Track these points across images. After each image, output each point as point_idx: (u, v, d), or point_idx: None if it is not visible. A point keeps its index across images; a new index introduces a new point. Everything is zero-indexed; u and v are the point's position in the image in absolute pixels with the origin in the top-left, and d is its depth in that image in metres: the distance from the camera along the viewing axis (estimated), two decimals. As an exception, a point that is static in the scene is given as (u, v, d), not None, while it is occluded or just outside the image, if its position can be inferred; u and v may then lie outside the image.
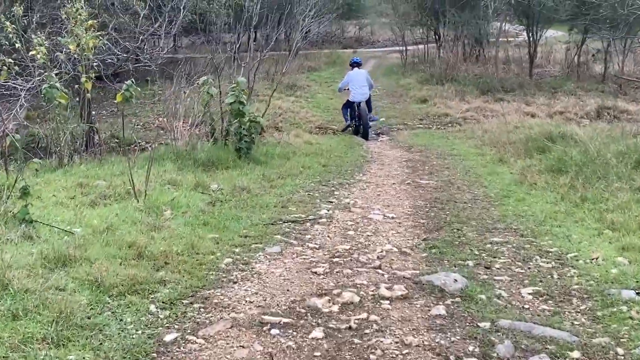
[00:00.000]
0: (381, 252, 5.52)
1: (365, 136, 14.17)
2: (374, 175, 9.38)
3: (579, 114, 16.61)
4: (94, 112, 14.74)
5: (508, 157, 10.18)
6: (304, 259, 5.30)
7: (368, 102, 14.77)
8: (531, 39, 21.43)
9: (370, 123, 14.64)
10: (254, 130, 9.36)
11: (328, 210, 7.06)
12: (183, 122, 9.89)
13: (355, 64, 15.16)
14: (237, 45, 13.14)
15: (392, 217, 6.83)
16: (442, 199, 7.73)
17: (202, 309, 4.16)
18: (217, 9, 16.95)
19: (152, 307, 4.09)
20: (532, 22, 21.02)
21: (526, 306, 4.38)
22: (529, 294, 4.60)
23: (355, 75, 14.73)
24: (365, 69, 16.25)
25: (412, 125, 15.97)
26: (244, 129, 9.25)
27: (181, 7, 11.32)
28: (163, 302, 4.19)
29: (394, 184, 8.70)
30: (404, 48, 26.05)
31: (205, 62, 16.14)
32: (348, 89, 14.86)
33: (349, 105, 14.79)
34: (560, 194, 7.61)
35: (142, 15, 10.74)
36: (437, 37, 25.52)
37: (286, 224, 6.40)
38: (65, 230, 5.34)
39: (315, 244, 5.76)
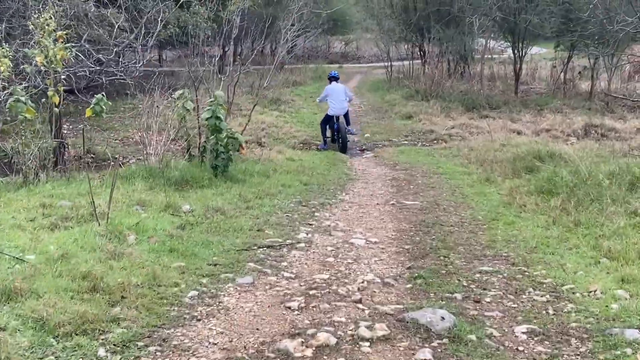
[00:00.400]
0: (362, 282, 5.05)
1: (344, 150, 14.02)
2: (357, 195, 8.93)
3: (565, 131, 16.26)
4: (68, 127, 14.23)
5: (495, 176, 9.76)
6: (278, 291, 4.82)
7: (346, 115, 14.82)
8: (517, 55, 21.11)
9: (349, 136, 14.60)
10: (232, 147, 8.87)
11: (307, 234, 6.59)
12: (157, 138, 9.39)
13: (333, 78, 15.21)
14: (216, 58, 12.63)
15: (375, 242, 6.37)
16: (427, 221, 7.28)
17: (158, 353, 3.67)
18: (199, 22, 16.47)
19: (102, 351, 3.60)
20: (517, 39, 20.71)
21: (520, 348, 3.94)
22: (523, 333, 4.16)
23: (333, 89, 14.78)
24: (350, 85, 16.50)
25: (397, 141, 15.54)
26: (220, 145, 8.76)
27: (159, 19, 10.82)
28: (114, 345, 3.70)
29: (377, 204, 8.26)
30: (389, 64, 25.69)
31: (187, 75, 15.71)
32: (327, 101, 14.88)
33: (327, 120, 14.74)
34: (551, 217, 7.19)
35: (117, 26, 10.25)
36: (421, 53, 25.21)
37: (261, 249, 5.93)
38: (17, 258, 4.83)
39: (291, 272, 5.28)
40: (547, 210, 7.51)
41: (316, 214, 7.59)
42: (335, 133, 14.42)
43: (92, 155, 12.78)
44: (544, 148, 10.63)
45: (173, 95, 9.45)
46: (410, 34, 24.19)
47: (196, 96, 10.02)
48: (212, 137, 8.82)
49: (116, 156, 12.57)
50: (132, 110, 17.34)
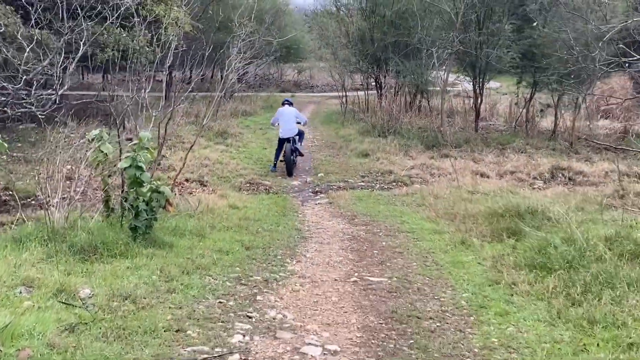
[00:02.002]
0: None
1: (289, 173, 14.48)
2: (310, 264, 7.18)
3: (531, 174, 14.90)
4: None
5: (472, 238, 8.14)
6: None
7: (301, 135, 15.42)
8: (477, 91, 19.78)
9: (296, 154, 14.96)
10: (156, 203, 7.03)
11: (244, 336, 4.82)
12: (65, 185, 7.51)
13: (287, 102, 15.77)
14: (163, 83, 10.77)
15: (335, 352, 4.62)
16: (400, 311, 5.58)
17: None
18: (140, 45, 14.65)
19: None
20: (478, 74, 19.39)
21: None
22: None
23: (283, 112, 15.23)
24: (302, 112, 16.36)
25: (354, 182, 13.89)
26: (142, 201, 6.92)
27: (81, 42, 8.97)
28: None
29: (336, 280, 6.52)
30: (344, 95, 24.12)
31: (129, 101, 13.83)
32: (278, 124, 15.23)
33: (280, 144, 15.12)
34: (553, 305, 5.59)
35: (27, 50, 8.37)
36: (378, 85, 23.74)
37: (176, 372, 4.13)
38: None
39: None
40: (544, 294, 5.93)
41: (258, 297, 5.81)
42: (280, 156, 14.93)
43: (9, 192, 10.83)
44: (522, 202, 9.07)
45: (87, 136, 7.57)
46: (366, 64, 22.67)
47: (118, 135, 8.18)
48: (132, 190, 6.97)
49: (38, 194, 10.59)
50: (66, 139, 15.43)
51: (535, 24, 15.44)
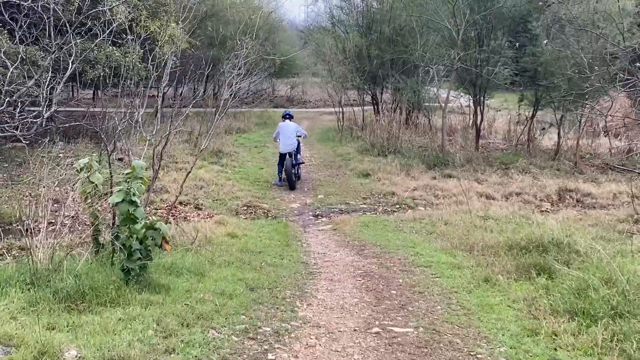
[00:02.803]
0: None
1: (292, 186, 14.68)
2: (323, 308, 6.36)
3: (538, 196, 14.21)
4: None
5: (496, 274, 7.36)
6: None
7: (297, 148, 15.38)
8: (478, 108, 19.08)
9: (299, 170, 15.34)
10: (152, 241, 6.21)
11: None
12: (49, 220, 6.68)
13: (288, 116, 15.79)
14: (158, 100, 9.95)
15: None
16: (435, 374, 4.78)
17: None
18: (133, 62, 13.86)
19: None
20: (479, 91, 18.70)
21: None
22: None
23: (284, 127, 15.32)
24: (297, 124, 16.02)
25: (355, 205, 13.12)
26: (136, 239, 6.09)
27: (70, 59, 8.14)
28: None
29: (355, 330, 5.69)
30: (341, 112, 23.36)
31: (120, 118, 13.02)
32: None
33: (281, 159, 15.25)
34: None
35: (11, 69, 7.54)
36: (374, 102, 23.01)
37: None
38: None
39: None
40: (593, 348, 5.17)
41: (269, 355, 4.98)
42: (283, 171, 15.00)
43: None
44: (545, 233, 8.28)
45: (74, 165, 6.74)
46: (363, 81, 21.94)
47: (109, 163, 7.35)
48: (125, 227, 6.14)
49: (25, 219, 9.74)
50: (54, 160, 14.61)
51: (545, 42, 14.74)
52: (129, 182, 6.39)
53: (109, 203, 6.33)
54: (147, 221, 6.23)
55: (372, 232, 10.29)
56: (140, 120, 8.61)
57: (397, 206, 13.04)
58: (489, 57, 17.82)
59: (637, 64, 11.28)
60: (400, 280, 7.38)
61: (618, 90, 18.16)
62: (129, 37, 8.90)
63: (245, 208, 12.67)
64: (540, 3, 16.70)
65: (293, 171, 14.72)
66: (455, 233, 9.67)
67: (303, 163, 16.15)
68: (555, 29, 17.04)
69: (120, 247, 6.05)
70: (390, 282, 7.33)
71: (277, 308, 6.20)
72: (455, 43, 17.38)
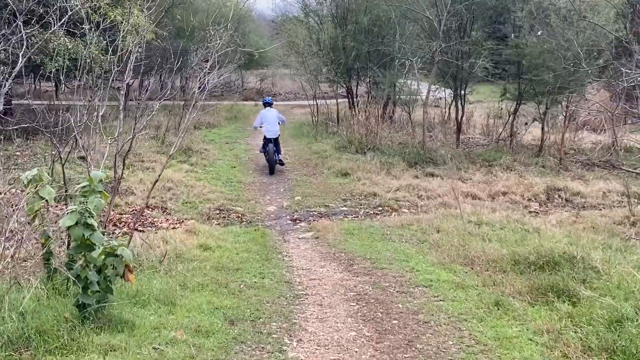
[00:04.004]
0: None
1: (272, 171, 15.29)
2: (316, 347, 5.37)
3: (525, 195, 13.43)
4: None
5: (507, 297, 6.47)
6: None
7: (277, 143, 15.68)
8: (459, 103, 18.24)
9: (278, 166, 15.61)
10: (113, 270, 5.17)
11: None
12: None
13: (267, 104, 16.30)
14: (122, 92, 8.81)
15: None
16: None
17: None
18: (94, 53, 12.62)
19: None
20: (460, 85, 17.85)
21: None
22: None
23: (266, 114, 15.86)
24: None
25: (335, 208, 12.17)
26: (94, 268, 5.05)
27: (19, 53, 7.01)
28: None
29: (358, 379, 4.75)
30: (315, 106, 22.33)
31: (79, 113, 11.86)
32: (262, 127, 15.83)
33: (266, 143, 15.61)
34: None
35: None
36: (350, 95, 22.03)
37: None
38: None
39: None
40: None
41: (259, 419, 4.01)
42: (265, 152, 15.48)
43: None
44: (556, 247, 7.43)
45: (21, 178, 5.65)
46: (338, 74, 20.93)
47: (64, 176, 6.28)
48: (80, 254, 5.09)
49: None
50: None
51: (540, 32, 13.93)
52: (85, 196, 5.35)
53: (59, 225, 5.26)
54: (107, 245, 5.18)
55: (359, 242, 9.34)
56: (97, 114, 7.51)
57: (380, 208, 12.14)
58: (470, 49, 16.97)
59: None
60: (400, 306, 6.43)
61: (601, 83, 17.55)
62: (86, 26, 7.74)
63: (217, 212, 11.64)
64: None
65: (275, 157, 15.33)
66: (450, 243, 8.77)
67: (283, 165, 16.13)
68: (539, 21, 16.26)
69: (74, 279, 4.99)
70: (389, 308, 6.37)
71: (263, 348, 5.21)
72: (435, 34, 16.49)
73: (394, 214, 11.73)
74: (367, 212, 11.88)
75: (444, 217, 10.61)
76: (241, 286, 6.89)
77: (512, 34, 16.79)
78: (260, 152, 16.09)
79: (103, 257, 5.10)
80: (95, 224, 5.01)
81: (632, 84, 11.08)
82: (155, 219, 10.70)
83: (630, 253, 8.41)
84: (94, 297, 5.04)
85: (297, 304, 6.52)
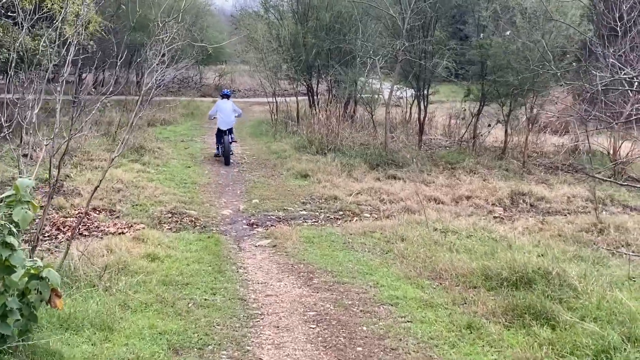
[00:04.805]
0: None
1: (227, 162, 15.59)
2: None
3: (489, 200, 13.05)
4: None
5: (480, 317, 5.94)
6: None
7: (230, 130, 15.91)
8: (421, 104, 17.78)
9: (231, 147, 15.99)
10: (37, 296, 4.45)
11: None
12: None
13: (225, 96, 16.62)
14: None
15: None
16: None
17: None
18: (42, 45, 11.75)
19: None
20: (423, 85, 17.39)
21: None
22: None
23: (222, 105, 16.19)
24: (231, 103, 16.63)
25: (294, 211, 11.56)
26: (13, 295, 4.33)
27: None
28: None
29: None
30: (274, 103, 21.67)
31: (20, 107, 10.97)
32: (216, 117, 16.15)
33: (219, 133, 16.00)
34: None
35: None
36: (310, 93, 21.40)
37: None
38: None
39: None
40: None
41: None
42: (221, 146, 15.88)
43: None
44: (529, 262, 6.93)
45: None
46: (299, 71, 20.27)
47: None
48: (-3, 277, 4.36)
49: None
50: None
51: (508, 32, 13.51)
52: (11, 207, 4.63)
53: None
54: (32, 266, 4.46)
55: (319, 251, 8.73)
56: (32, 110, 6.74)
57: (341, 213, 11.57)
58: (434, 48, 16.52)
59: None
60: (365, 329, 5.83)
61: (565, 85, 17.28)
62: (20, 15, 6.94)
63: (169, 216, 10.91)
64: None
65: (230, 148, 15.62)
66: (416, 254, 8.23)
67: (236, 142, 16.97)
68: (504, 21, 15.88)
69: (-12, 307, 4.27)
70: (352, 331, 5.77)
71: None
72: (399, 32, 15.98)
73: (355, 219, 11.18)
74: (328, 217, 11.30)
75: (408, 224, 10.07)
76: (189, 305, 6.22)
77: (477, 34, 16.34)
78: (216, 156, 16.26)
79: (25, 280, 4.38)
80: (17, 243, 4.30)
81: (604, 87, 10.75)
82: (102, 223, 9.96)
83: (602, 266, 8.03)
84: (15, 326, 4.32)
85: (252, 326, 5.87)
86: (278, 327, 5.88)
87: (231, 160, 15.79)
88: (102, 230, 9.61)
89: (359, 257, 8.44)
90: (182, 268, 7.56)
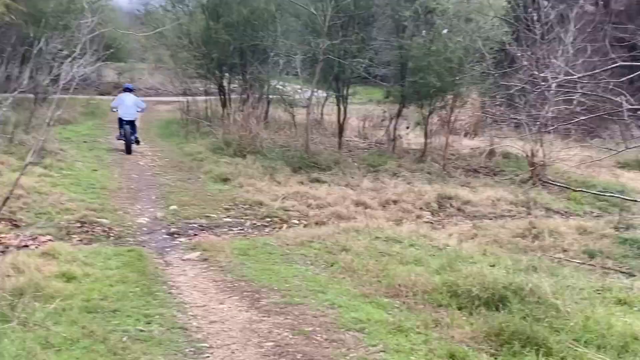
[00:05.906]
0: None
1: (128, 151, 15.90)
2: None
3: (416, 204, 12.62)
4: None
5: (460, 344, 5.22)
6: None
7: (133, 126, 16.26)
8: (341, 105, 17.13)
9: (134, 144, 16.23)
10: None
11: None
12: None
13: (127, 89, 17.18)
14: None
15: None
16: None
17: None
18: None
19: None
20: (343, 87, 16.73)
21: None
22: None
23: (124, 98, 16.51)
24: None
25: (218, 219, 10.58)
26: None
27: None
28: None
29: None
30: (186, 102, 20.44)
31: None
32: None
33: (120, 121, 16.23)
34: None
35: None
36: (222, 92, 20.28)
37: None
38: None
39: None
40: None
41: None
42: (122, 136, 16.11)
43: None
44: (502, 276, 6.31)
45: None
46: (210, 69, 19.13)
47: None
48: None
49: None
50: None
51: (445, 30, 13.04)
52: None
53: None
54: None
55: (258, 265, 7.78)
56: None
57: (268, 219, 10.74)
58: (355, 48, 15.89)
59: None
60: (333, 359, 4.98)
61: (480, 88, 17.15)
62: None
63: (79, 225, 9.67)
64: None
65: (131, 138, 15.95)
66: (366, 267, 7.46)
67: (139, 144, 16.77)
68: (425, 22, 15.49)
69: None
70: (321, 366, 4.90)
71: None
72: (319, 31, 15.23)
73: (284, 225, 10.38)
74: (255, 224, 10.45)
75: (346, 232, 9.33)
76: (124, 339, 5.13)
77: (397, 34, 15.88)
78: (118, 139, 16.44)
79: None
80: None
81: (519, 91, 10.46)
82: (3, 236, 8.62)
83: (556, 276, 7.57)
84: None
85: (200, 363, 4.88)
86: (233, 364, 4.91)
87: (141, 163, 14.84)
88: (2, 243, 8.31)
89: (302, 271, 7.57)
90: (105, 290, 6.42)
